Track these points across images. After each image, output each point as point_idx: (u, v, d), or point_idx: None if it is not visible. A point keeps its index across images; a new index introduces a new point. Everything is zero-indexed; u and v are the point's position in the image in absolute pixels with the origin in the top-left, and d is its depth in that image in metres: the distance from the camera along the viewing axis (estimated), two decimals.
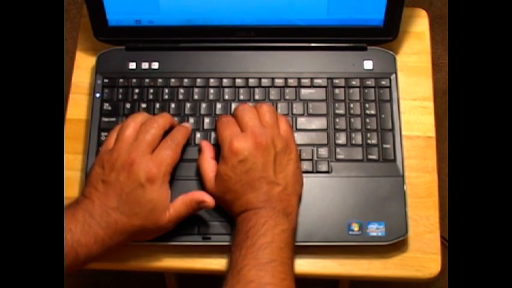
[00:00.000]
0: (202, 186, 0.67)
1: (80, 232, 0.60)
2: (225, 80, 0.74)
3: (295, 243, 0.63)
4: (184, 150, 0.68)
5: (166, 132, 0.67)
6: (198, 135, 0.71)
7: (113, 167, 0.62)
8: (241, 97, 0.73)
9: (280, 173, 0.63)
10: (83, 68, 0.77)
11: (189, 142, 0.69)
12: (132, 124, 0.66)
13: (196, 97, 0.73)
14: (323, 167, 0.69)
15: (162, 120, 0.66)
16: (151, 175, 0.62)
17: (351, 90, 0.73)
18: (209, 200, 0.63)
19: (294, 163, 0.65)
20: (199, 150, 0.68)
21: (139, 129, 0.65)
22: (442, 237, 0.69)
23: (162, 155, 0.63)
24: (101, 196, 0.62)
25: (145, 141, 0.64)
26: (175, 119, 0.71)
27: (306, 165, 0.69)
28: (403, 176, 0.69)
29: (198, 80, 0.74)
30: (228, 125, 0.66)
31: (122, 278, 1.27)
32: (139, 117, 0.67)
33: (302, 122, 0.72)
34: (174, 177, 0.67)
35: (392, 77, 0.74)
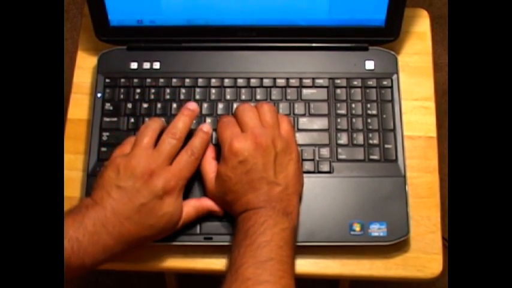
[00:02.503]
0: (203, 186, 0.67)
1: (88, 242, 0.59)
2: (226, 80, 0.74)
3: (296, 242, 0.63)
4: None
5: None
6: None
7: (131, 174, 0.62)
8: (243, 97, 0.73)
9: (280, 173, 0.63)
10: (84, 68, 0.77)
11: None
12: (150, 133, 0.65)
13: (197, 97, 0.73)
14: (325, 167, 0.69)
15: (183, 130, 0.65)
16: (170, 188, 0.62)
17: (353, 91, 0.73)
18: (218, 210, 0.66)
19: (295, 163, 0.65)
20: None
21: (160, 139, 0.64)
22: (442, 237, 0.69)
23: (181, 169, 0.63)
24: (114, 203, 0.61)
25: (165, 152, 0.63)
26: None
27: (308, 166, 0.69)
28: (404, 176, 0.69)
29: (200, 80, 0.74)
30: (228, 125, 0.65)
31: (122, 278, 1.27)
32: (155, 125, 0.66)
33: (304, 122, 0.72)
34: None
35: (394, 77, 0.74)
